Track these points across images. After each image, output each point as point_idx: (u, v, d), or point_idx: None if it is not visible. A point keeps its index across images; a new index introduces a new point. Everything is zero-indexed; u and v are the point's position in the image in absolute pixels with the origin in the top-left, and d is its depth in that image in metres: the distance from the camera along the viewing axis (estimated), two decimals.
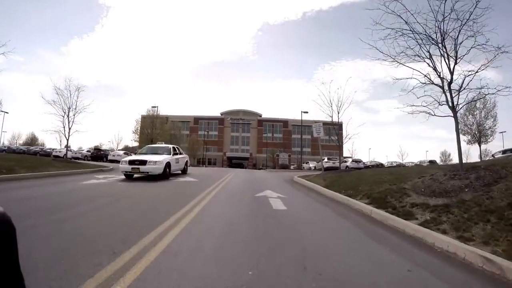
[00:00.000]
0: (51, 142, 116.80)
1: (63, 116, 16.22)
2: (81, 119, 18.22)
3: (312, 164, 34.92)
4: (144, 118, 29.64)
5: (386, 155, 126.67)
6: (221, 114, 78.17)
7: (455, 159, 65.29)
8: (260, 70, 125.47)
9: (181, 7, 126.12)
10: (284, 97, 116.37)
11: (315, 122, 12.12)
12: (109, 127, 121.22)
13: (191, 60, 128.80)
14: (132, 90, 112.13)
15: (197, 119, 75.29)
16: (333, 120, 15.16)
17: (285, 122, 78.17)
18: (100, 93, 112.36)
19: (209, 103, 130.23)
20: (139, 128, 30.52)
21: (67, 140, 16.46)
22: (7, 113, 31.18)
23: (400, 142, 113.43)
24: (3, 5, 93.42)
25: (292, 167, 29.85)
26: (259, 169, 70.73)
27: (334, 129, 14.94)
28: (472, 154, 49.31)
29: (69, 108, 16.33)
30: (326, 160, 27.47)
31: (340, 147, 18.36)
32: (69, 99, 16.17)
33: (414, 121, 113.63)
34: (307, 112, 33.26)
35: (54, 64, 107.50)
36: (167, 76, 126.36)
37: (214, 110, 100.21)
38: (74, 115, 16.49)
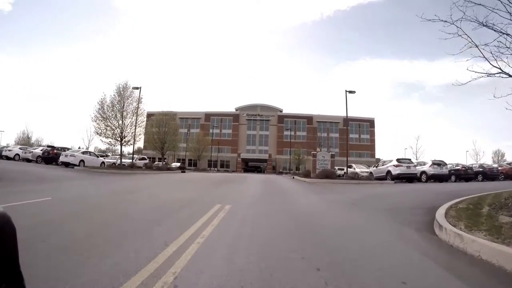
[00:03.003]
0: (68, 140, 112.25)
1: None
2: None
3: (360, 169, 24.11)
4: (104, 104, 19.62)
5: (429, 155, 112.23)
6: (236, 110, 68.60)
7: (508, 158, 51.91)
8: (277, 69, 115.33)
9: (196, 5, 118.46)
10: (303, 95, 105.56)
11: None
12: None
13: (205, 58, 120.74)
14: (145, 91, 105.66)
15: (208, 115, 66.15)
16: None
17: (309, 118, 67.42)
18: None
19: (223, 101, 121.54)
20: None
21: None
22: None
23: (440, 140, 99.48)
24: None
25: (339, 172, 19.04)
26: (279, 173, 59.98)
27: None
28: None
29: None
30: (395, 163, 16.74)
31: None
32: None
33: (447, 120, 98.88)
34: (354, 92, 22.82)
35: (65, 66, 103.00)
36: (178, 73, 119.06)
37: (228, 106, 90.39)
38: None
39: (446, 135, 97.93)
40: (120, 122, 20.14)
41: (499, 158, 59.27)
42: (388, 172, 17.15)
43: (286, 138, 65.66)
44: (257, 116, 67.19)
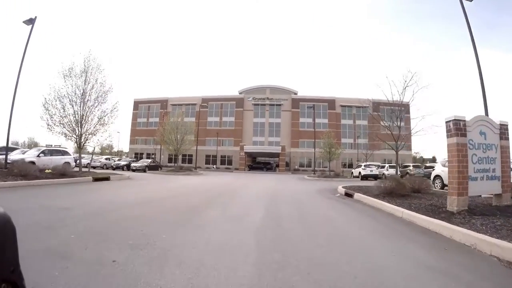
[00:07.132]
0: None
1: None
2: None
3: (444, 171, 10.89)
4: None
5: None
6: (240, 93, 56.01)
7: None
8: (289, 46, 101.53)
9: None
10: (321, 77, 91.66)
11: None
12: None
13: (203, 34, 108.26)
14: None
15: (206, 100, 53.61)
16: None
17: (330, 102, 54.07)
18: None
19: (225, 85, 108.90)
20: None
21: None
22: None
23: None
24: None
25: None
26: (295, 171, 46.74)
27: None
28: None
29: None
30: None
31: None
32: None
33: None
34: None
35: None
36: (173, 52, 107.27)
37: (231, 90, 74.53)
38: None
39: None
40: None
41: None
42: None
43: (302, 126, 52.65)
44: (266, 100, 54.39)
